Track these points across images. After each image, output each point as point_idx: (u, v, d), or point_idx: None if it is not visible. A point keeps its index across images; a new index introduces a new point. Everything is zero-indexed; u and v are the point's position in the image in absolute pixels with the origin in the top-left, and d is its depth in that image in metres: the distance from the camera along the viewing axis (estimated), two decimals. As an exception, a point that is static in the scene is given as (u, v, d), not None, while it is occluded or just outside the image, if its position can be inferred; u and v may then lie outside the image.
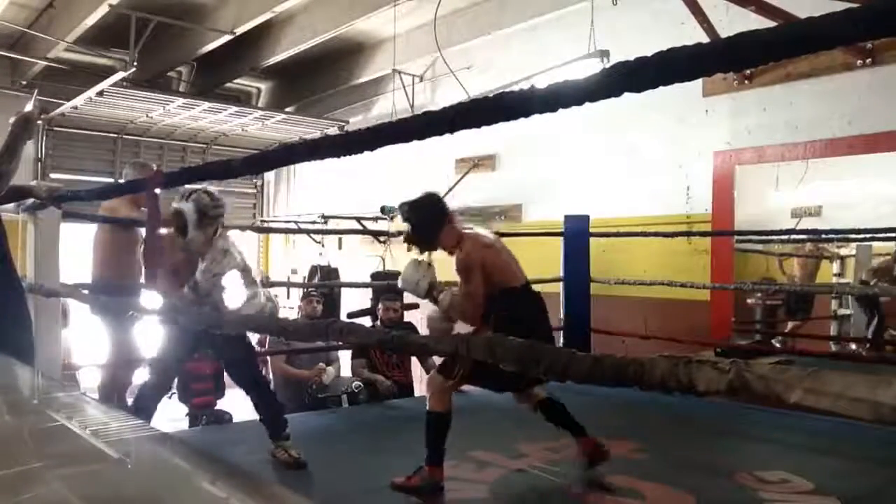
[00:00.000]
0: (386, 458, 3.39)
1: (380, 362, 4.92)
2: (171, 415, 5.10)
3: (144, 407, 3.14)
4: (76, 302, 3.57)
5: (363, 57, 7.35)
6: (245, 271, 3.12)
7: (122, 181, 4.96)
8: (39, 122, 7.40)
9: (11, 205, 3.08)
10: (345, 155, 1.28)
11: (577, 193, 5.69)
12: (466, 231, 2.95)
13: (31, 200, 3.05)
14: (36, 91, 3.07)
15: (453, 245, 2.87)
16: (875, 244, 5.14)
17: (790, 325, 5.78)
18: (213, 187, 3.09)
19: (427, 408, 2.84)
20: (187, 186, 3.05)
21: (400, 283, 3.04)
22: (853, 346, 5.29)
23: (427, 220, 2.91)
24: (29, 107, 2.68)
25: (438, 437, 2.79)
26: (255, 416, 3.35)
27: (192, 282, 3.02)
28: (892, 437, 3.31)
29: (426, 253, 2.97)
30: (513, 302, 2.86)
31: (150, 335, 3.88)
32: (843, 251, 5.58)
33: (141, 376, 3.67)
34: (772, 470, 3.06)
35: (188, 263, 3.05)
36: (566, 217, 5.14)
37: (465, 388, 4.76)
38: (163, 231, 2.87)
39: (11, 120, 2.61)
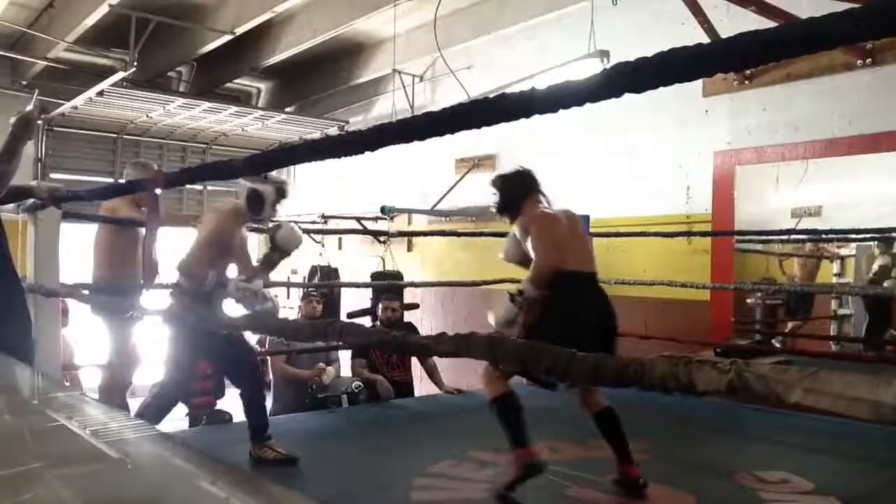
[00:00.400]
0: (386, 458, 3.39)
1: (380, 362, 4.92)
2: (172, 415, 5.11)
3: (156, 413, 3.18)
4: (76, 302, 3.57)
5: (363, 57, 7.35)
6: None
7: (122, 181, 4.95)
8: (40, 122, 7.41)
9: (11, 205, 3.08)
10: (345, 155, 1.28)
11: (577, 193, 5.68)
12: (544, 207, 3.01)
13: (31, 200, 3.05)
14: (36, 91, 3.08)
15: (528, 220, 2.93)
16: (875, 244, 5.14)
17: (790, 325, 5.78)
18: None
19: (488, 398, 2.74)
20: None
21: (492, 320, 2.98)
22: (860, 348, 5.28)
23: (512, 192, 3.00)
24: (29, 107, 2.68)
25: (511, 420, 2.66)
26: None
27: (257, 279, 3.18)
28: (892, 437, 3.31)
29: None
30: (569, 285, 2.79)
31: (151, 335, 3.88)
32: (843, 251, 5.58)
33: (152, 384, 3.70)
34: (772, 470, 3.06)
35: (241, 243, 3.28)
36: (566, 217, 5.13)
37: (467, 388, 4.79)
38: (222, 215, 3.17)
39: (12, 120, 2.61)
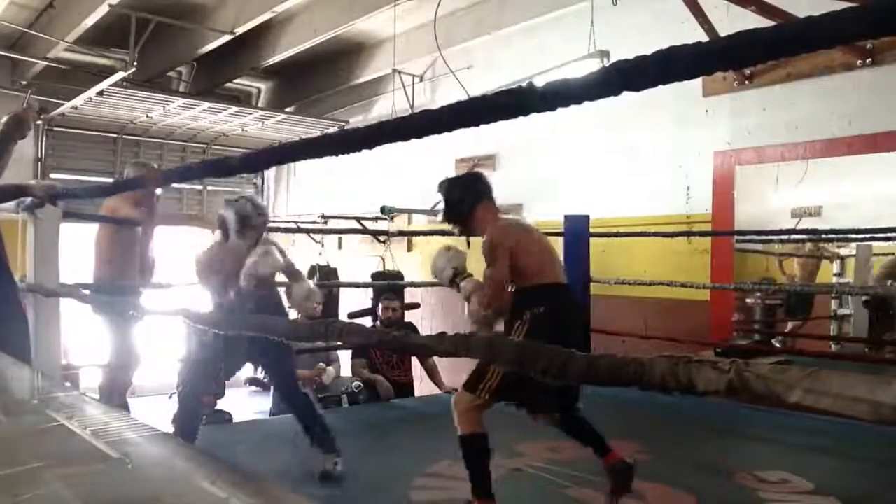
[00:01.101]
0: (386, 458, 3.39)
1: (380, 362, 4.93)
2: (170, 418, 5.10)
3: (190, 429, 3.12)
4: (72, 301, 3.57)
5: (363, 57, 7.35)
6: (291, 273, 3.19)
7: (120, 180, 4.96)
8: (39, 122, 7.41)
9: (11, 205, 3.08)
10: (343, 153, 1.28)
11: (577, 193, 5.69)
12: (504, 216, 2.78)
13: (29, 199, 3.05)
14: (30, 91, 3.08)
15: (484, 228, 2.67)
16: (875, 244, 5.14)
17: (790, 325, 5.78)
18: (257, 197, 3.10)
19: (458, 433, 2.51)
20: (233, 195, 3.04)
21: (431, 271, 2.85)
22: (863, 347, 5.28)
23: (459, 198, 2.73)
24: (24, 107, 2.68)
25: (477, 463, 2.47)
26: (255, 416, 3.36)
27: (236, 286, 3.01)
28: (892, 436, 3.31)
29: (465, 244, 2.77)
30: (552, 299, 2.60)
31: (151, 335, 3.89)
32: (843, 251, 5.58)
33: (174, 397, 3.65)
34: (772, 470, 3.06)
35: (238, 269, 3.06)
36: (566, 217, 5.13)
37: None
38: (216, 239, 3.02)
39: (3, 118, 2.61)
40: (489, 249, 2.59)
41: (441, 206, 2.80)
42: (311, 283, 3.26)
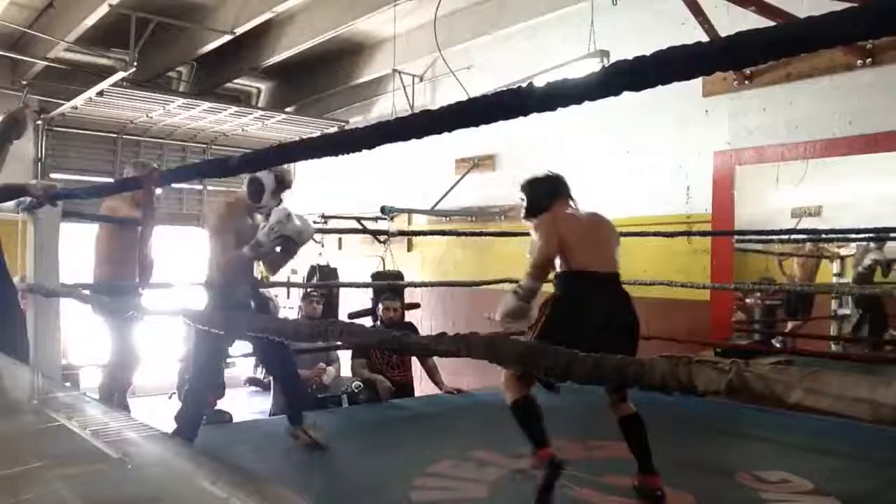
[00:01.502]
0: (386, 458, 3.39)
1: (380, 362, 4.92)
2: (172, 414, 5.10)
3: (192, 428, 3.22)
4: (72, 301, 3.58)
5: (363, 57, 7.35)
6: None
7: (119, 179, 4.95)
8: (40, 122, 7.42)
9: (11, 205, 3.08)
10: (343, 153, 1.28)
11: (578, 193, 5.68)
12: (567, 211, 2.97)
13: (28, 199, 3.04)
14: (26, 91, 3.08)
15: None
16: (875, 244, 5.14)
17: (790, 325, 5.78)
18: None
19: (508, 403, 2.76)
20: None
21: (497, 315, 2.93)
22: (863, 347, 5.29)
23: (538, 193, 3.00)
24: (20, 106, 2.68)
25: (526, 423, 2.71)
26: (255, 416, 3.37)
27: (254, 241, 3.09)
28: (893, 436, 3.31)
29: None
30: (576, 285, 2.77)
31: (151, 335, 3.89)
32: (843, 251, 5.58)
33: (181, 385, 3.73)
34: (772, 470, 3.06)
35: (251, 230, 3.19)
36: (566, 217, 5.13)
37: (467, 388, 4.79)
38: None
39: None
40: (538, 227, 2.85)
41: (524, 203, 3.03)
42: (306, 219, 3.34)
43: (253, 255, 3.14)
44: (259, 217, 3.27)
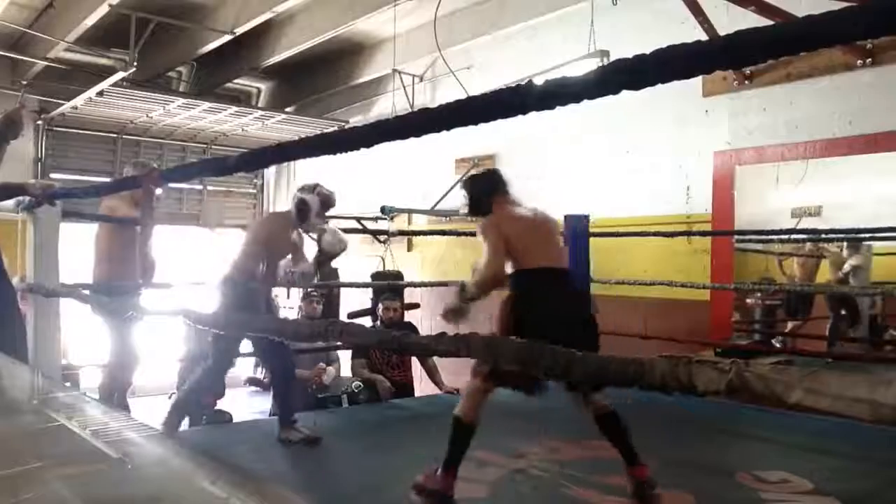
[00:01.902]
0: (386, 458, 3.39)
1: (380, 362, 4.92)
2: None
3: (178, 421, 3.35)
4: (72, 301, 3.58)
5: (363, 57, 7.35)
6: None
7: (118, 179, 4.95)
8: (40, 122, 7.42)
9: (10, 205, 3.08)
10: (343, 153, 1.28)
11: (577, 193, 5.69)
12: (515, 207, 2.98)
13: (27, 199, 3.04)
14: (23, 91, 3.08)
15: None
16: (875, 244, 5.14)
17: (790, 325, 5.78)
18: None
19: (456, 413, 2.73)
20: (307, 183, 3.65)
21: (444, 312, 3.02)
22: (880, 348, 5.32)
23: (479, 190, 3.03)
24: (16, 106, 2.68)
25: (460, 448, 2.68)
26: (255, 416, 3.38)
27: (303, 263, 3.50)
28: (893, 437, 3.31)
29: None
30: (529, 282, 2.78)
31: (151, 335, 3.89)
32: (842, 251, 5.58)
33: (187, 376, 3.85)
34: (772, 470, 3.06)
35: (290, 245, 3.54)
36: (566, 217, 5.13)
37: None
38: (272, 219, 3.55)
39: None
40: (483, 231, 2.83)
41: (466, 201, 3.07)
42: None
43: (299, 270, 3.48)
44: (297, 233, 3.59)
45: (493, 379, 2.67)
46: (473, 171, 3.25)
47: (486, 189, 3.00)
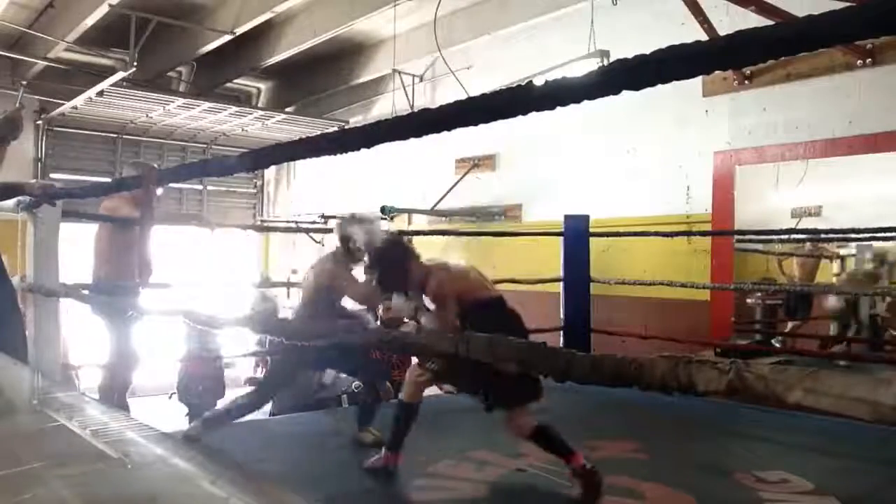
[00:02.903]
0: (386, 458, 3.38)
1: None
2: (171, 415, 5.11)
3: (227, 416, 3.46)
4: (72, 301, 3.58)
5: (363, 57, 7.35)
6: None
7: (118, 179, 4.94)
8: (39, 122, 7.41)
9: (10, 204, 3.08)
10: (343, 153, 1.28)
11: (577, 193, 5.69)
12: (432, 264, 3.03)
13: (27, 199, 3.04)
14: (21, 92, 3.06)
15: (423, 281, 2.96)
16: (875, 244, 5.14)
17: (790, 325, 5.78)
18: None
19: (400, 397, 3.10)
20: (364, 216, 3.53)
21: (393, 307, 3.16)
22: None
23: (390, 265, 3.01)
24: (16, 106, 2.67)
25: (404, 427, 3.01)
26: (255, 416, 3.39)
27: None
28: (893, 437, 3.31)
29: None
30: (484, 310, 2.91)
31: (151, 335, 3.89)
32: (843, 251, 5.58)
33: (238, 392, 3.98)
34: (772, 470, 3.05)
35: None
36: (566, 217, 5.14)
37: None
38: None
39: None
40: (438, 298, 2.94)
41: (377, 277, 3.07)
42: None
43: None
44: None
45: (436, 376, 3.04)
46: (377, 246, 3.16)
47: (398, 259, 3.00)
